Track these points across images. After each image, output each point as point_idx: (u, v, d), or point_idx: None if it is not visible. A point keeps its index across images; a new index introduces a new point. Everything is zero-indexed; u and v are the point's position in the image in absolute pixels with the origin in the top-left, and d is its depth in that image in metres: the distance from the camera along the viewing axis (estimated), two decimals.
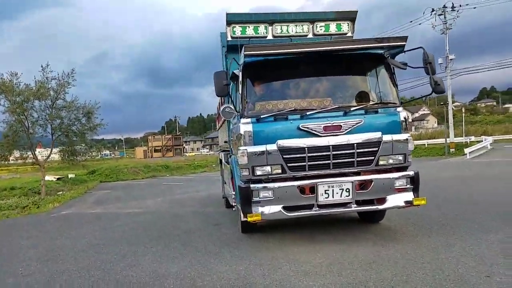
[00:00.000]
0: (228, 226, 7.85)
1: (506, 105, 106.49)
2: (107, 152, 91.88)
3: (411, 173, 5.83)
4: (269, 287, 4.34)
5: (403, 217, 7.33)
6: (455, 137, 39.07)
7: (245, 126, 5.67)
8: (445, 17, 38.76)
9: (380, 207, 5.85)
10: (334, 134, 5.60)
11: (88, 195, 19.49)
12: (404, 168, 5.87)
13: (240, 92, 5.80)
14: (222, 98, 8.27)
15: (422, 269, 4.62)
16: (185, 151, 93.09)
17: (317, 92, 6.26)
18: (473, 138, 40.14)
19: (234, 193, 6.81)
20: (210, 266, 5.25)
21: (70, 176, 29.61)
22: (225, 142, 8.58)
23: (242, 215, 5.90)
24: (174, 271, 5.18)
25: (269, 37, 7.49)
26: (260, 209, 5.58)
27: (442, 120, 77.01)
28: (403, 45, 5.76)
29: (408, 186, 5.81)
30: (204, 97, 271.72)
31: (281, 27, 7.53)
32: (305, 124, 5.59)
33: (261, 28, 7.45)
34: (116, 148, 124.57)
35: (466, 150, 30.04)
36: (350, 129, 5.63)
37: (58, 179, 27.81)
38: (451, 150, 34.95)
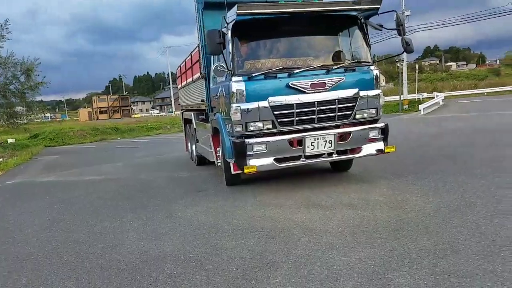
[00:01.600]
0: (213, 192, 6.95)
1: (448, 63, 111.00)
2: (48, 114, 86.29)
3: (382, 125, 6.51)
4: (297, 267, 3.55)
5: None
6: (407, 94, 39.81)
7: (237, 84, 5.91)
8: None
9: (357, 155, 6.51)
10: (320, 90, 6.05)
11: (34, 162, 17.73)
12: (375, 121, 6.54)
13: (230, 51, 5.91)
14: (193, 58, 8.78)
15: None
16: (133, 112, 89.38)
17: (301, 51, 6.70)
18: (425, 95, 41.18)
19: (219, 149, 7.23)
20: (214, 242, 4.36)
21: (9, 141, 27.10)
22: (202, 101, 8.42)
23: (232, 168, 6.51)
24: (170, 251, 4.25)
25: None
26: (254, 161, 5.99)
27: (390, 79, 79.25)
28: (378, 8, 6.20)
29: (379, 136, 6.50)
30: (151, 55, 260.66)
31: None
32: (294, 81, 5.95)
33: None
34: (57, 110, 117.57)
35: (420, 107, 30.50)
36: (333, 86, 6.10)
37: None
38: (405, 106, 35.59)
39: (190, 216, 5.55)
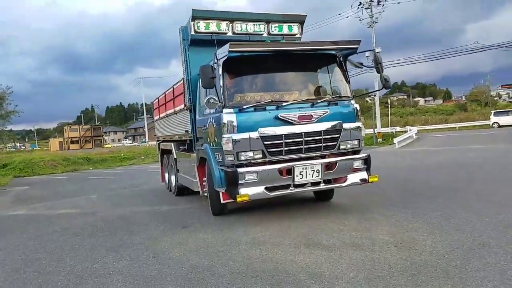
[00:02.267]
0: (200, 228, 6.54)
1: (416, 99, 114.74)
2: (17, 144, 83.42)
3: (365, 155, 6.88)
4: None
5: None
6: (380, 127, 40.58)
7: (228, 116, 6.21)
8: (371, 11, 39.79)
9: (343, 184, 6.78)
10: (307, 122, 6.40)
11: (3, 193, 16.76)
12: (358, 152, 6.91)
13: (221, 85, 6.24)
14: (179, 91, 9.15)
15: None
16: (104, 142, 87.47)
17: (286, 86, 7.24)
18: (398, 129, 42.09)
19: (205, 179, 7.53)
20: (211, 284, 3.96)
21: None
22: (186, 131, 8.71)
23: (222, 197, 6.70)
24: None
25: (229, 33, 7.98)
26: (246, 190, 6.14)
27: (361, 113, 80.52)
28: (356, 48, 6.79)
29: (362, 166, 6.85)
30: (124, 86, 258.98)
31: (241, 25, 8.08)
32: (283, 114, 6.29)
33: (223, 25, 7.94)
34: (27, 139, 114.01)
35: (395, 140, 31.00)
36: (319, 118, 6.48)
37: None
38: (379, 140, 36.15)
39: (179, 256, 5.11)
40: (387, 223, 5.97)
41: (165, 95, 10.92)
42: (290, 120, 6.33)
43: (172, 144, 10.26)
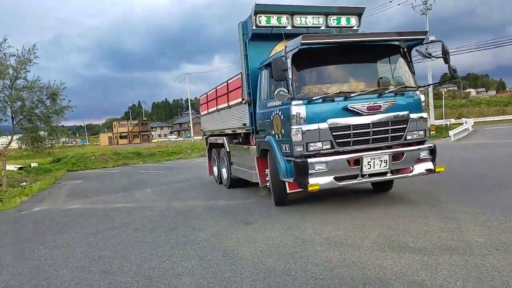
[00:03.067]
0: (265, 225, 6.13)
1: (467, 90, 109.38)
2: (67, 139, 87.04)
3: (431, 145, 6.81)
4: None
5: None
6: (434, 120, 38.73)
7: (298, 108, 6.30)
8: None
9: (410, 174, 6.73)
10: (375, 113, 6.39)
11: (58, 186, 17.19)
12: (423, 142, 6.82)
13: (290, 77, 6.28)
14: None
15: None
16: (151, 137, 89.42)
17: (352, 77, 7.17)
18: (452, 121, 40.04)
19: (267, 170, 7.64)
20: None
21: (33, 165, 26.79)
22: (244, 124, 8.76)
23: (288, 187, 6.92)
24: None
25: (289, 27, 7.99)
26: (316, 179, 6.21)
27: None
28: (423, 38, 6.82)
29: (428, 156, 6.76)
30: (169, 82, 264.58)
31: (300, 19, 8.06)
32: (352, 104, 6.31)
33: (283, 19, 7.95)
34: (77, 135, 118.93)
35: (451, 133, 29.44)
36: (387, 108, 6.45)
37: (19, 168, 25.00)
38: (432, 132, 34.51)
39: (251, 256, 4.72)
40: (475, 223, 5.31)
41: (216, 90, 11.04)
42: (358, 111, 6.34)
43: (224, 138, 10.35)
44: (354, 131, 6.32)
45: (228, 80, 9.80)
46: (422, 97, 6.97)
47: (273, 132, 7.18)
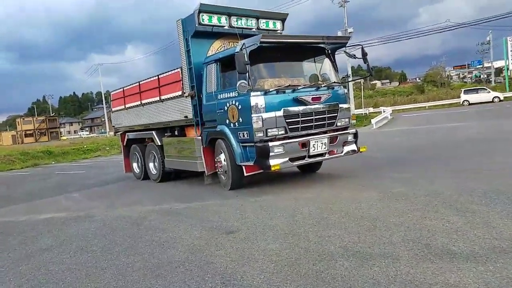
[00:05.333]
0: (252, 235, 5.03)
1: (373, 82, 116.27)
2: None
3: (354, 130, 8.41)
4: None
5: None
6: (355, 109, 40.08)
7: (257, 98, 7.17)
8: None
9: (342, 154, 8.16)
10: (317, 103, 7.60)
11: None
12: (347, 128, 8.26)
13: (248, 71, 7.00)
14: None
15: None
16: (60, 134, 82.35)
17: (294, 72, 8.37)
18: (371, 110, 41.75)
19: (219, 157, 8.31)
20: None
21: None
22: (185, 117, 9.16)
23: (245, 170, 7.74)
24: None
25: (226, 27, 8.88)
26: (275, 161, 7.17)
27: None
28: (346, 42, 8.86)
29: (353, 139, 8.30)
30: (77, 74, 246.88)
31: (237, 20, 8.99)
32: (301, 95, 7.41)
33: (222, 19, 8.80)
34: None
35: (372, 121, 30.55)
36: (325, 99, 7.73)
37: None
38: (353, 121, 35.57)
39: (264, 282, 3.60)
40: (502, 216, 4.71)
41: (139, 84, 11.17)
42: (305, 101, 7.47)
43: (154, 132, 10.72)
44: (302, 118, 7.47)
45: (160, 74, 10.13)
46: (345, 90, 8.55)
47: (227, 122, 7.89)
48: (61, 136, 77.02)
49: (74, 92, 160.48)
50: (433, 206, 5.40)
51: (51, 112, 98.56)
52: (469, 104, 39.15)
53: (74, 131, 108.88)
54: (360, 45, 8.45)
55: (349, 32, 39.23)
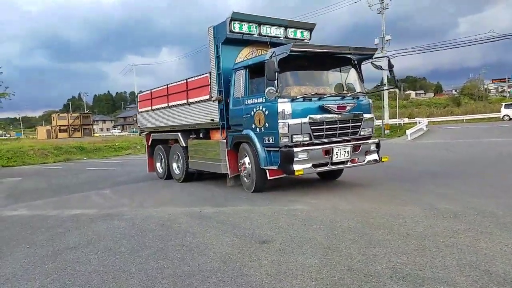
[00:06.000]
0: (288, 247, 4.71)
1: (407, 92, 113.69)
2: (2, 131, 79.99)
3: (377, 140, 8.50)
4: None
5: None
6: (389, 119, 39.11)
7: (284, 105, 7.34)
8: None
9: (364, 163, 8.22)
10: (342, 112, 7.75)
11: None
12: (370, 137, 8.43)
13: (277, 78, 7.12)
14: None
15: None
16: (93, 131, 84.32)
17: (320, 81, 8.62)
18: (406, 120, 40.67)
19: (243, 160, 8.55)
20: None
21: None
22: (212, 120, 9.35)
23: (268, 174, 7.89)
24: None
25: (256, 35, 9.14)
26: (299, 166, 7.30)
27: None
28: (373, 54, 8.71)
29: (375, 149, 8.36)
30: (112, 74, 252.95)
31: (266, 28, 9.24)
32: (327, 104, 7.58)
33: (253, 27, 9.05)
34: (11, 128, 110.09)
35: (408, 132, 29.73)
36: (350, 108, 7.86)
37: None
38: (386, 131, 34.77)
39: None
40: None
41: (167, 87, 11.44)
42: (331, 109, 7.63)
43: (179, 134, 10.93)
44: (326, 126, 7.65)
45: (188, 78, 10.36)
46: (371, 101, 8.57)
47: (253, 126, 8.11)
48: (93, 133, 78.71)
49: (108, 91, 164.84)
50: (486, 227, 4.94)
51: (85, 109, 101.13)
52: (510, 119, 37.50)
53: (107, 128, 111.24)
54: (386, 57, 9.01)
55: (387, 40, 38.46)
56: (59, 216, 7.71)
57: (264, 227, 5.63)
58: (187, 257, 4.57)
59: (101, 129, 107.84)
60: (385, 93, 39.16)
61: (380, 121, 36.88)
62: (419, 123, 35.59)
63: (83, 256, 4.94)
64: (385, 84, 39.48)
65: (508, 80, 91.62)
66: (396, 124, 39.15)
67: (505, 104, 41.01)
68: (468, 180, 8.68)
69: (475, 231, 4.78)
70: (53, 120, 75.99)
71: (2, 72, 19.60)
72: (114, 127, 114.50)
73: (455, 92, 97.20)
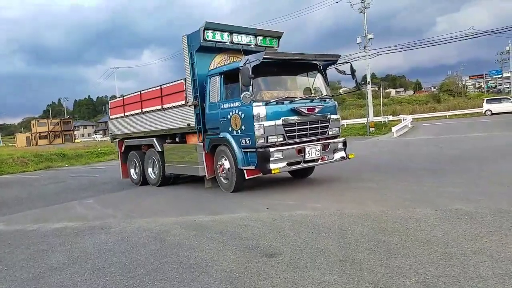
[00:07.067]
0: (298, 260, 4.26)
1: (387, 90, 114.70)
2: None
3: (344, 139, 9.14)
4: None
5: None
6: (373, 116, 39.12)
7: (259, 108, 7.88)
8: None
9: (331, 160, 8.82)
10: (311, 113, 8.37)
11: None
12: (338, 136, 9.07)
13: (252, 84, 7.74)
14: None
15: None
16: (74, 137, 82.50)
17: (290, 85, 9.14)
18: (391, 118, 40.72)
19: (222, 162, 8.90)
20: None
21: None
22: (188, 124, 9.62)
23: (246, 174, 8.31)
24: None
25: (228, 43, 9.61)
26: (275, 165, 7.87)
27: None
28: (336, 60, 9.19)
29: (343, 147, 9.00)
30: (92, 78, 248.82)
31: (237, 37, 9.70)
32: (298, 106, 8.17)
33: (225, 36, 9.51)
34: None
35: (393, 129, 29.67)
36: (318, 110, 8.51)
37: None
38: (371, 129, 34.71)
39: None
40: None
41: (140, 93, 11.64)
42: (301, 111, 8.16)
43: (154, 139, 11.10)
44: (298, 127, 8.18)
45: (162, 85, 10.62)
46: (336, 103, 9.19)
47: (230, 129, 8.50)
48: (75, 139, 77.06)
49: (89, 96, 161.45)
50: (509, 229, 4.58)
51: (65, 115, 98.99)
52: (492, 114, 37.85)
53: (88, 134, 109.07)
54: (349, 62, 9.45)
55: (369, 38, 38.50)
56: (41, 230, 7.11)
57: (268, 236, 5.17)
58: (187, 277, 4.07)
59: (82, 135, 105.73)
60: (369, 91, 39.17)
61: (365, 119, 36.91)
62: (404, 120, 35.62)
63: (68, 279, 4.40)
64: (369, 82, 39.70)
65: (485, 76, 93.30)
66: (381, 121, 39.02)
67: (487, 99, 41.41)
68: (469, 177, 8.40)
69: (499, 234, 4.42)
70: (33, 126, 74.18)
71: None
72: (95, 132, 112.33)
73: (434, 89, 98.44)
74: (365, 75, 41.37)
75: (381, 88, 77.05)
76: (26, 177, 20.70)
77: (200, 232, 5.78)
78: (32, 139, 68.72)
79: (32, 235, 6.78)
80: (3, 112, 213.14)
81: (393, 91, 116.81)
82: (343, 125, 41.61)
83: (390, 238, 4.59)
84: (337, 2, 40.61)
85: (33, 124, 74.55)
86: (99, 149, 34.52)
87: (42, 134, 70.09)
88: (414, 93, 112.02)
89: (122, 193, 11.13)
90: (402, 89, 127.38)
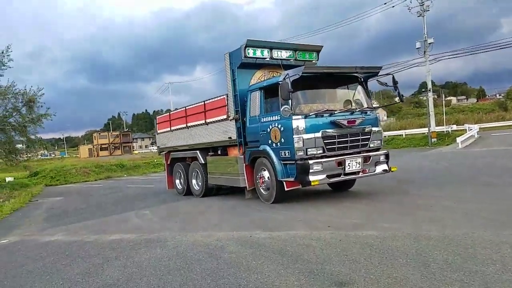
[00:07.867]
0: (363, 287, 3.72)
1: (448, 98, 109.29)
2: (46, 152, 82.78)
3: (386, 151, 9.08)
4: None
5: None
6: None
7: (298, 121, 7.99)
8: None
9: (373, 174, 8.79)
10: (352, 126, 8.37)
11: (34, 206, 14.50)
12: (379, 149, 9.02)
13: (291, 98, 7.92)
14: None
15: None
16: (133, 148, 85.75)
17: (330, 98, 9.23)
18: (454, 127, 38.45)
19: (262, 173, 9.05)
20: None
21: (8, 179, 23.78)
22: (229, 138, 9.92)
23: (285, 185, 8.33)
24: None
25: (268, 58, 9.78)
26: (314, 177, 7.90)
27: (390, 114, 76.64)
28: (378, 72, 9.09)
29: (385, 160, 8.94)
30: (149, 93, 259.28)
31: (277, 52, 9.90)
32: (338, 119, 8.18)
33: (265, 52, 9.71)
34: (56, 147, 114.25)
35: (458, 140, 27.71)
36: (359, 123, 8.50)
37: None
38: (433, 140, 32.84)
39: None
40: None
41: (185, 109, 12.16)
42: (341, 124, 8.17)
43: (198, 152, 11.50)
44: (338, 139, 8.18)
45: (205, 100, 10.99)
46: (378, 115, 9.26)
47: (269, 142, 8.68)
48: (133, 151, 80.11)
49: (146, 110, 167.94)
50: None
51: (125, 128, 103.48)
52: None
53: (145, 146, 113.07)
54: (391, 74, 9.05)
55: (429, 43, 36.64)
56: (98, 242, 7.03)
57: (334, 261, 4.64)
58: None
59: (140, 147, 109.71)
60: (430, 99, 37.17)
61: (426, 129, 35.00)
62: (469, 129, 33.38)
63: None
64: (430, 90, 37.73)
65: None
66: (444, 131, 36.81)
67: None
68: None
69: None
70: (95, 139, 78.11)
71: (44, 94, 19.61)
72: (152, 144, 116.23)
73: (500, 97, 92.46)
74: (425, 81, 39.38)
75: (442, 95, 73.50)
76: (87, 187, 21.48)
77: (257, 251, 5.36)
78: (93, 151, 72.39)
79: (88, 247, 6.70)
80: (69, 126, 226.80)
81: (454, 99, 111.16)
82: (402, 135, 39.88)
83: (483, 267, 3.91)
84: (393, 7, 39.12)
85: (95, 136, 78.58)
86: (155, 160, 35.37)
87: (103, 146, 73.61)
88: (477, 101, 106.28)
89: (177, 204, 11.03)
90: (464, 96, 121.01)
